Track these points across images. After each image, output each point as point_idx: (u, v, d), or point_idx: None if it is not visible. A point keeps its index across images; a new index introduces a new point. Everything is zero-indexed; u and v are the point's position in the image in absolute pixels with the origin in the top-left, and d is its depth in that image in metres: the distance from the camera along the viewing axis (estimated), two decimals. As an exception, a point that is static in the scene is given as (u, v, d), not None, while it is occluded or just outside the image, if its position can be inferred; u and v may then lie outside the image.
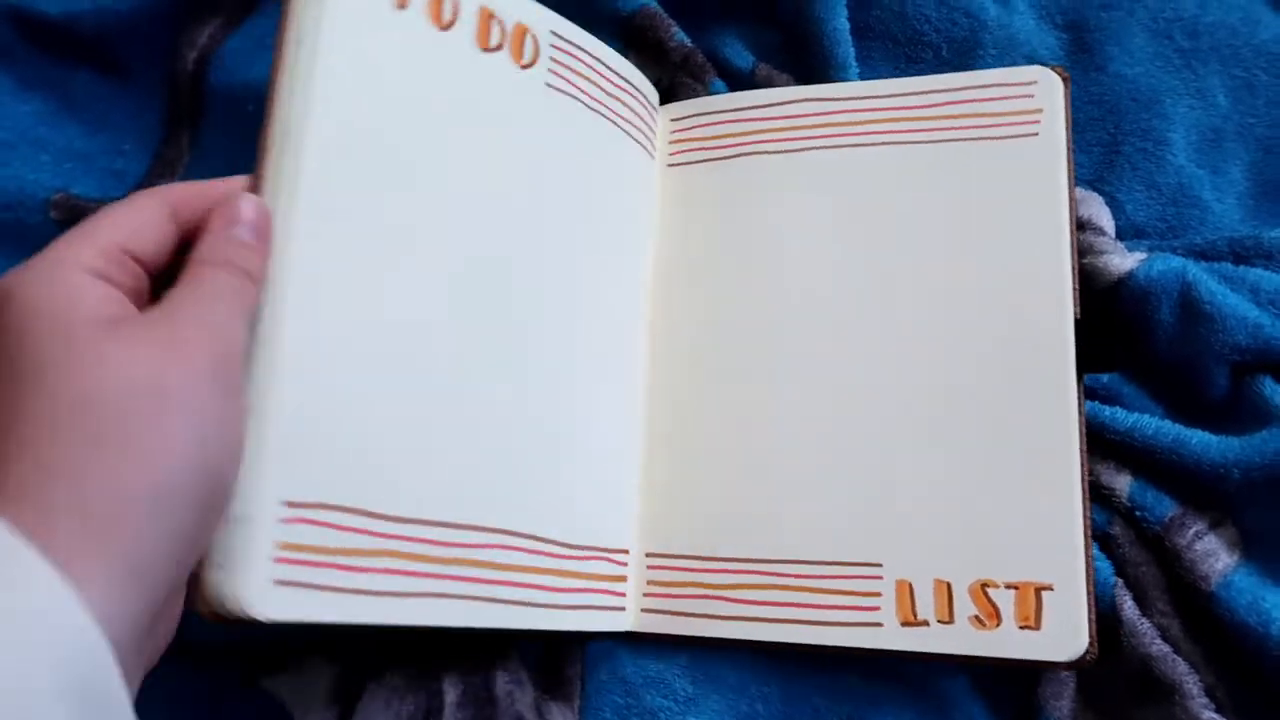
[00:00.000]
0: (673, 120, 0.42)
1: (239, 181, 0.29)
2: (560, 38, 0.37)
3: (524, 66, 0.35)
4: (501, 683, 0.37)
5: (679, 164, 0.41)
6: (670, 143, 0.42)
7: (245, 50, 0.47)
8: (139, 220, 0.27)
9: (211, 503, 0.24)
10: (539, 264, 0.35)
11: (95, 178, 0.47)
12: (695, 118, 0.41)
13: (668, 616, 0.37)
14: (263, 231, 0.27)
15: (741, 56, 0.43)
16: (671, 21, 0.43)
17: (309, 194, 0.28)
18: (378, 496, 0.29)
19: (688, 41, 0.43)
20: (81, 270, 0.25)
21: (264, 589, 0.26)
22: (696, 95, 0.42)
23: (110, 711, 0.20)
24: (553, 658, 0.38)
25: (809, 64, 0.42)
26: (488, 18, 0.34)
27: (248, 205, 0.27)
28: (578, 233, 0.37)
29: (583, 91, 0.37)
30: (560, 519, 0.35)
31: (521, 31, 0.35)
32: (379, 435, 0.30)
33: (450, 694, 0.37)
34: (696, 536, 0.37)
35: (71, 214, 0.46)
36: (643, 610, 0.37)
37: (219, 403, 0.24)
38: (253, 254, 0.27)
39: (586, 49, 0.38)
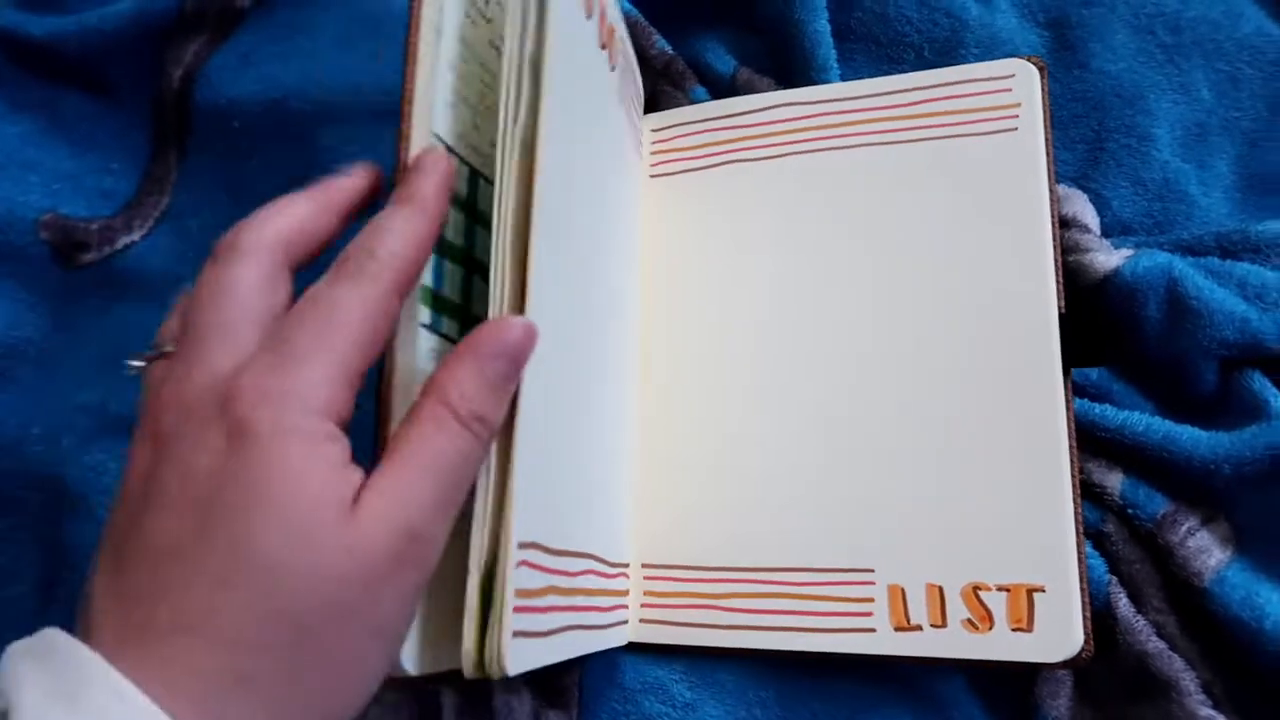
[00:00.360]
0: (653, 131, 0.42)
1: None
2: None
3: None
4: (499, 692, 0.37)
5: (661, 175, 0.41)
6: (652, 154, 0.42)
7: (230, 67, 0.47)
8: (363, 320, 0.22)
9: (306, 641, 0.21)
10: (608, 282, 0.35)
11: (84, 197, 0.47)
12: (676, 128, 0.41)
13: (665, 627, 0.37)
14: (522, 361, 0.23)
15: (723, 61, 0.43)
16: (652, 30, 0.43)
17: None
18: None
19: (669, 49, 0.43)
20: (317, 417, 0.21)
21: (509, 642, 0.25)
22: (678, 104, 0.42)
23: None
24: (549, 666, 0.38)
25: (790, 67, 0.42)
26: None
27: (515, 330, 0.23)
28: (612, 248, 0.37)
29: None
30: (609, 537, 0.35)
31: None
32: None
33: (448, 702, 0.37)
34: (690, 548, 0.37)
35: (62, 234, 0.46)
36: (640, 621, 0.37)
37: (411, 602, 0.22)
38: (502, 398, 0.23)
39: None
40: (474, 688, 0.37)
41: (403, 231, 0.23)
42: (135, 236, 0.47)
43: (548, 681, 0.37)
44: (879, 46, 0.43)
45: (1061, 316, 0.35)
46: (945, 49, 0.42)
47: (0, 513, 0.43)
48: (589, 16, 0.31)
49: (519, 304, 0.24)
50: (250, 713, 0.20)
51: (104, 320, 0.46)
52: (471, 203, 0.30)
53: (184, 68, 0.47)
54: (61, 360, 0.45)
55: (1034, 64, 0.37)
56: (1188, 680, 0.33)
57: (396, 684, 0.25)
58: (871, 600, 0.34)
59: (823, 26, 0.42)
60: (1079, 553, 0.34)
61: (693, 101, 0.42)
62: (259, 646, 0.19)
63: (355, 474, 0.21)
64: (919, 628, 0.34)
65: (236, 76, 0.47)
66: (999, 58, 0.40)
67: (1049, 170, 0.36)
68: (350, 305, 0.22)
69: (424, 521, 0.21)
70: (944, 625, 0.34)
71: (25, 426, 0.44)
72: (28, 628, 0.41)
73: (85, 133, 0.48)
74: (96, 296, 0.46)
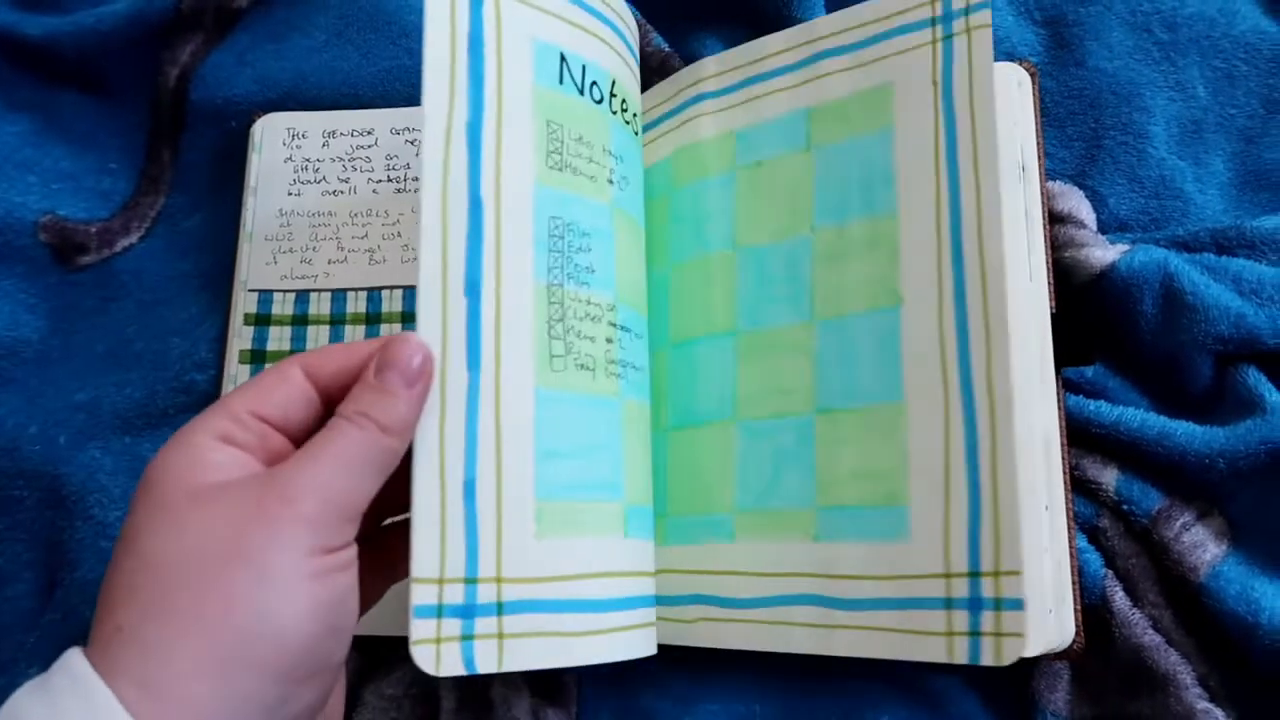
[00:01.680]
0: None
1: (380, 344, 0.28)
2: None
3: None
4: (498, 689, 0.37)
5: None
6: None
7: (227, 66, 0.47)
8: (270, 383, 0.27)
9: (292, 672, 0.23)
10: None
11: (83, 198, 0.47)
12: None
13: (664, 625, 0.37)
14: (416, 377, 0.27)
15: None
16: (650, 27, 0.43)
17: None
18: None
19: (665, 46, 0.43)
20: (208, 435, 0.25)
21: None
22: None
23: None
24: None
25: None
26: None
27: (406, 347, 0.27)
28: None
29: None
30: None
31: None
32: None
33: (447, 701, 0.37)
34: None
35: (61, 236, 0.46)
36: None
37: (301, 563, 0.24)
38: (395, 402, 0.26)
39: None
40: (472, 685, 0.37)
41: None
42: (133, 239, 0.47)
43: (547, 679, 0.37)
44: (875, 44, 0.43)
45: (1053, 316, 0.35)
46: (941, 47, 0.42)
47: (-2, 513, 0.43)
48: None
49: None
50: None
51: (102, 321, 0.46)
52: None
53: (180, 67, 0.47)
54: (59, 361, 0.45)
55: (1025, 68, 0.37)
56: (1184, 674, 0.33)
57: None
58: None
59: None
60: (1070, 546, 0.34)
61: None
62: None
63: (254, 467, 0.26)
64: None
65: (233, 76, 0.47)
66: (996, 55, 0.40)
67: (1039, 169, 0.36)
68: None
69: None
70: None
71: (23, 426, 0.44)
72: (27, 627, 0.41)
73: (83, 132, 0.48)
74: (94, 298, 0.46)
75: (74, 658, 0.23)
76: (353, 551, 0.26)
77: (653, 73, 0.43)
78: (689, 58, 0.44)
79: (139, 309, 0.46)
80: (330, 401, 0.28)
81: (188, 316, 0.45)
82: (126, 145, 0.48)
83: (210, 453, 0.25)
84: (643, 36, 0.43)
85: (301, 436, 0.27)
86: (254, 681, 0.23)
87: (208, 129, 0.47)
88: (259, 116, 0.45)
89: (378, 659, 0.38)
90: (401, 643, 0.37)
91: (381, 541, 0.31)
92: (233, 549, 0.23)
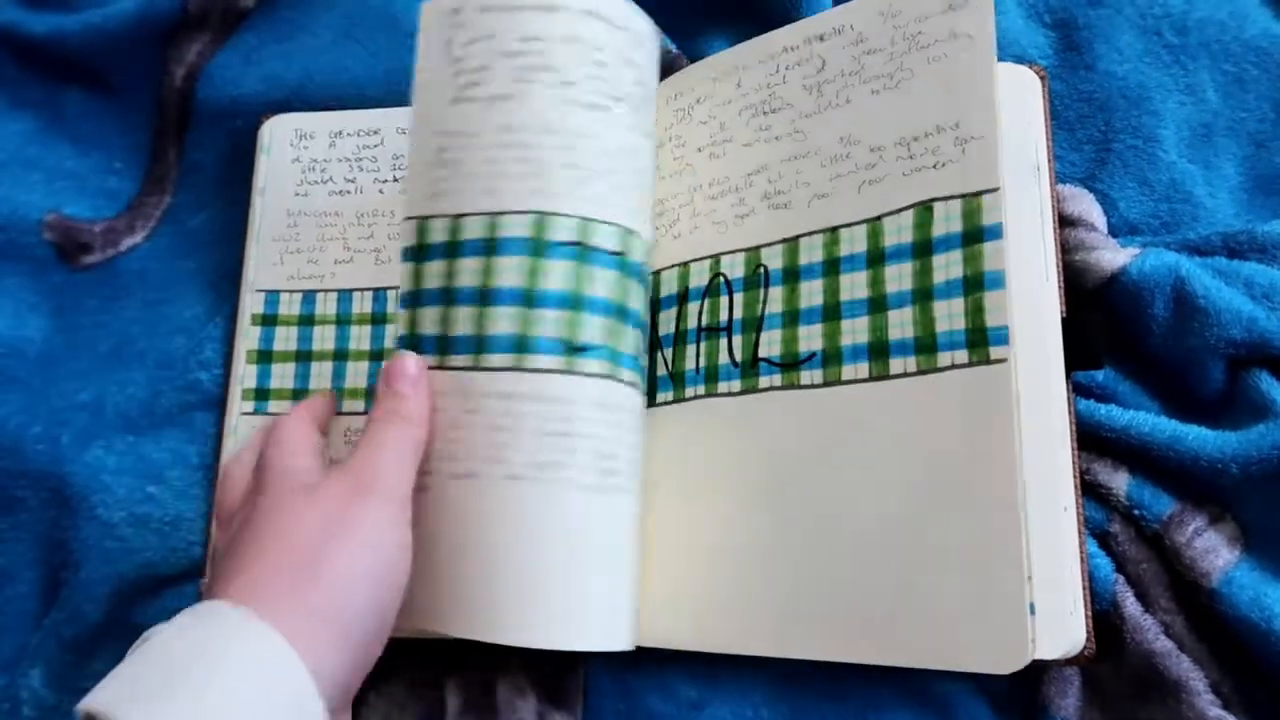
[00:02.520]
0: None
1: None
2: None
3: None
4: (503, 691, 0.37)
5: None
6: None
7: (233, 66, 0.47)
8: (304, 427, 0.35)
9: (386, 611, 0.30)
10: None
11: (88, 197, 0.47)
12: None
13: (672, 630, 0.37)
14: (418, 380, 0.34)
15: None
16: (657, 29, 0.43)
17: None
18: None
19: (673, 47, 0.43)
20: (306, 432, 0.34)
21: None
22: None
23: None
24: (554, 665, 0.38)
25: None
26: None
27: (405, 361, 0.34)
28: None
29: None
30: None
31: None
32: None
33: (452, 703, 0.37)
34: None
35: (66, 235, 0.46)
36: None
37: (392, 531, 0.30)
38: (408, 402, 0.33)
39: None
40: (477, 686, 0.37)
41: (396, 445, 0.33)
42: (138, 238, 0.47)
43: (552, 681, 0.37)
44: (885, 46, 0.43)
45: (1064, 319, 0.35)
46: (951, 49, 0.42)
47: (0, 512, 0.43)
48: None
49: None
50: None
51: (106, 320, 0.46)
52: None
53: (187, 66, 0.47)
54: (63, 360, 0.45)
55: (1035, 71, 0.37)
56: (1196, 680, 0.32)
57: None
58: None
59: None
60: (1081, 551, 0.33)
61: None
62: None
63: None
64: None
65: (239, 76, 0.47)
66: (1005, 58, 0.40)
67: (1050, 172, 0.36)
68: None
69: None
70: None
71: (26, 426, 0.43)
72: (29, 628, 0.41)
73: (88, 131, 0.48)
74: (98, 297, 0.46)
75: (216, 603, 0.27)
76: (409, 532, 0.31)
77: (661, 73, 0.43)
78: (696, 58, 0.44)
79: (143, 308, 0.46)
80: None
81: (192, 316, 0.45)
82: (132, 144, 0.48)
83: (302, 472, 0.32)
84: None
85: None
86: (368, 619, 0.29)
87: (213, 129, 0.47)
88: (267, 118, 0.45)
89: (382, 660, 0.38)
90: (406, 644, 0.37)
91: None
92: (341, 521, 0.30)
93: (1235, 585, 0.33)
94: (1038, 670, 0.34)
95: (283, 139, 0.45)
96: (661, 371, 0.38)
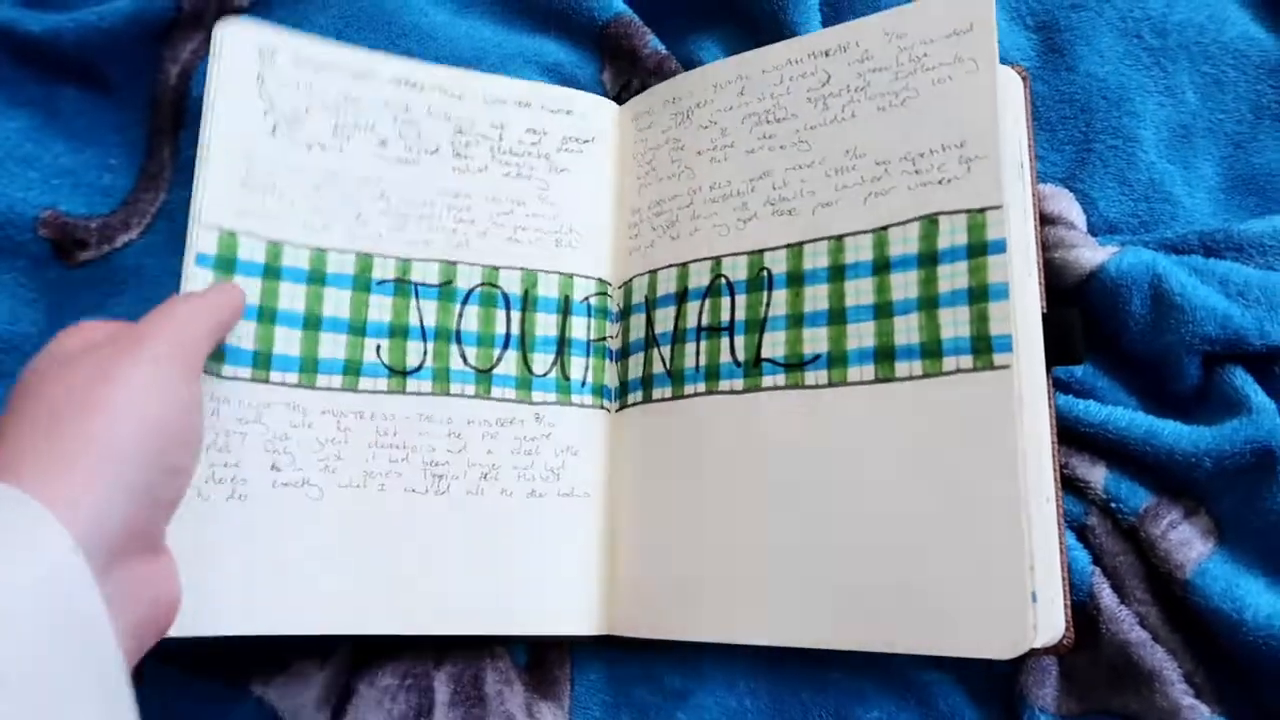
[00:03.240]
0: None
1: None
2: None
3: None
4: (491, 683, 0.37)
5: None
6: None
7: (228, 64, 0.47)
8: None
9: (159, 460, 0.30)
10: None
11: (83, 194, 0.47)
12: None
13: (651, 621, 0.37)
14: (235, 286, 0.36)
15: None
16: (647, 30, 0.44)
17: None
18: None
19: (662, 49, 0.44)
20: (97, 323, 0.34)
21: None
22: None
23: (88, 625, 0.25)
24: (541, 657, 0.38)
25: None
26: None
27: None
28: None
29: None
30: None
31: None
32: None
33: (441, 694, 0.37)
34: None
35: (61, 233, 0.46)
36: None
37: (164, 385, 0.30)
38: (219, 289, 0.35)
39: None
40: (466, 678, 0.37)
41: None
42: (133, 235, 0.47)
43: (540, 673, 0.38)
44: (869, 48, 0.43)
45: (1044, 315, 0.35)
46: (935, 50, 0.42)
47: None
48: None
49: None
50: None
51: (101, 317, 0.46)
52: None
53: (181, 65, 0.48)
54: (58, 355, 0.46)
55: (1017, 72, 0.38)
56: (1170, 670, 0.33)
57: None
58: None
59: (815, 28, 0.42)
60: (1060, 543, 0.34)
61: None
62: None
63: None
64: None
65: (234, 74, 0.47)
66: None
67: (1031, 171, 0.37)
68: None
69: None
70: None
71: (22, 420, 0.44)
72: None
73: (84, 129, 0.48)
74: (94, 293, 0.47)
75: None
76: (195, 390, 0.32)
77: (649, 75, 0.43)
78: (685, 60, 0.44)
79: (139, 305, 0.46)
80: None
81: (186, 312, 0.45)
82: (127, 141, 0.48)
83: (99, 328, 0.33)
84: (639, 39, 0.44)
85: None
86: (136, 466, 0.29)
87: (208, 126, 0.47)
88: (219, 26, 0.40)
89: (370, 652, 0.39)
90: (394, 637, 0.37)
91: None
92: (103, 373, 0.30)
93: (1208, 577, 0.33)
94: (1015, 660, 0.35)
95: (241, 56, 0.39)
96: (659, 369, 0.39)
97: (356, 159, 0.39)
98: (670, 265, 0.40)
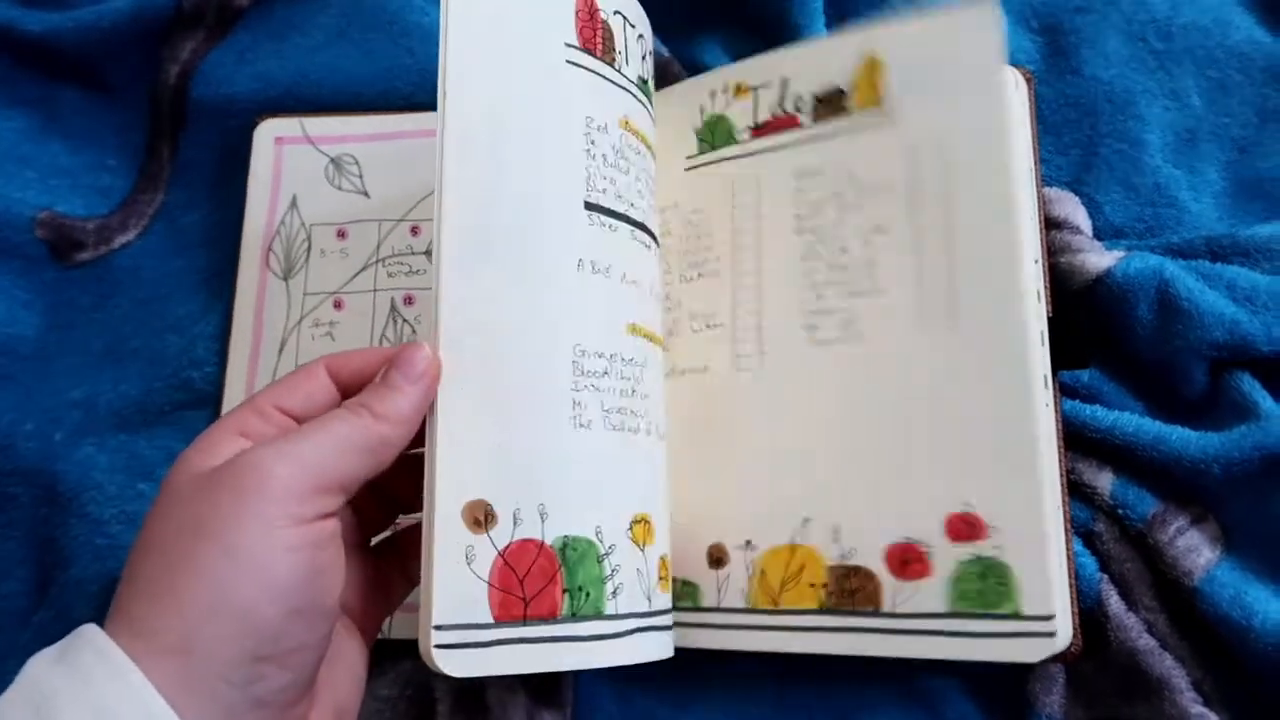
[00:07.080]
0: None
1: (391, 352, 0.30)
2: None
3: None
4: (494, 690, 0.37)
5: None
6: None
7: (227, 64, 0.47)
8: (296, 379, 0.29)
9: (258, 650, 0.24)
10: None
11: (81, 194, 0.47)
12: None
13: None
14: (419, 376, 0.29)
15: (720, 64, 0.44)
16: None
17: None
18: None
19: (665, 52, 0.44)
20: (226, 429, 0.27)
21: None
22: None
23: None
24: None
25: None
26: None
27: (415, 351, 0.29)
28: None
29: None
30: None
31: None
32: None
33: (442, 703, 0.37)
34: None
35: (58, 233, 0.46)
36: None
37: (271, 535, 0.24)
38: (395, 395, 0.28)
39: None
40: (468, 687, 0.37)
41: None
42: (131, 236, 0.47)
43: (543, 680, 0.37)
44: (874, 50, 0.43)
45: (1050, 320, 0.35)
46: (940, 53, 0.42)
47: (-7, 510, 0.43)
48: None
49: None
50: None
51: (98, 318, 0.46)
52: None
53: (181, 65, 0.47)
54: (55, 358, 0.45)
55: (1022, 75, 0.38)
56: (1178, 678, 0.33)
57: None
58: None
59: (820, 30, 0.42)
60: (1067, 550, 0.34)
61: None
62: None
63: None
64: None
65: (233, 74, 0.47)
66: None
67: (1036, 177, 0.37)
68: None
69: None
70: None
71: (18, 423, 0.43)
72: (20, 625, 0.41)
73: (82, 129, 0.48)
74: (91, 294, 0.46)
75: (89, 629, 0.24)
76: (331, 526, 0.26)
77: (654, 78, 0.43)
78: (689, 63, 0.44)
79: (136, 306, 0.46)
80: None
81: (185, 314, 0.45)
82: (125, 142, 0.48)
83: (222, 444, 0.26)
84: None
85: None
86: (219, 658, 0.23)
87: (207, 127, 0.47)
88: (262, 119, 0.45)
89: (372, 660, 0.38)
90: (395, 644, 0.37)
91: (399, 545, 0.32)
92: (204, 525, 0.24)
93: (1216, 584, 0.33)
94: (1023, 668, 0.35)
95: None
96: None
97: None
98: None
